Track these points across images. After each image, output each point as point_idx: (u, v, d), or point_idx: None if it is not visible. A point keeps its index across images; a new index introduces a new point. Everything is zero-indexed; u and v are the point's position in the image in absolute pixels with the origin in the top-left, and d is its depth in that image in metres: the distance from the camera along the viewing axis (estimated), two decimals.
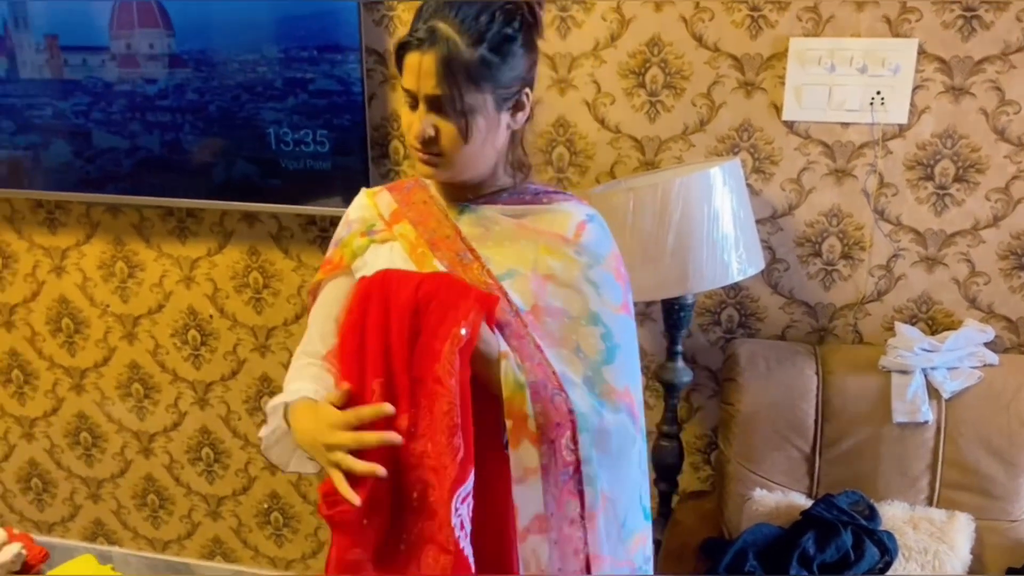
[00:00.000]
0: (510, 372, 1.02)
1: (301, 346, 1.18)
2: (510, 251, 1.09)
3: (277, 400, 1.10)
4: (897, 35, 1.66)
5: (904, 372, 1.67)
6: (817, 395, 1.71)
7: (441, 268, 1.08)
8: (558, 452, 1.03)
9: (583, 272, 1.08)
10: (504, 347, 1.04)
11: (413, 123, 1.05)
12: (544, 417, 1.02)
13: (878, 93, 1.70)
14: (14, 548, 1.64)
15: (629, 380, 1.10)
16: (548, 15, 1.79)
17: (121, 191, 2.03)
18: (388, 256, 1.12)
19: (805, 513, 1.61)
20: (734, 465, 1.74)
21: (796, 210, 1.80)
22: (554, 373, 1.04)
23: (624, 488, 1.09)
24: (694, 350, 1.90)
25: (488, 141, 1.07)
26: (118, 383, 2.28)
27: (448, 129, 1.03)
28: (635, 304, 1.87)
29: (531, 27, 1.05)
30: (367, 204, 1.20)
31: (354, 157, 1.88)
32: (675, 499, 1.89)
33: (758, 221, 1.74)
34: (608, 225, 1.60)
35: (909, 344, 1.69)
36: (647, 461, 1.16)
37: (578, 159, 1.86)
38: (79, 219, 2.15)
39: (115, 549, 2.41)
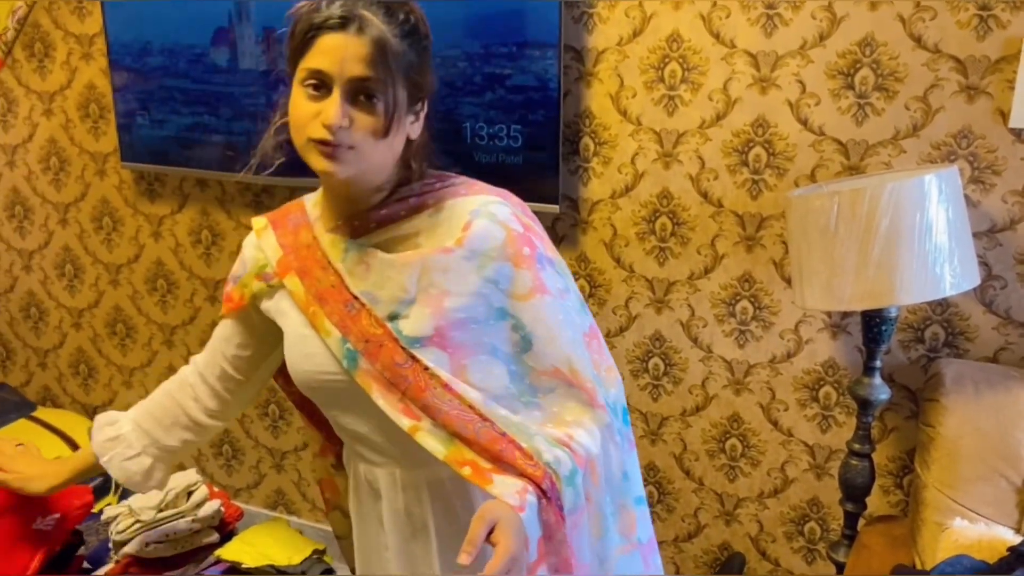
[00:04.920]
0: (435, 447, 1.02)
1: (192, 363, 1.27)
2: (395, 283, 1.04)
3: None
4: None
5: None
6: None
7: (331, 328, 1.05)
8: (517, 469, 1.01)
9: (477, 274, 1.03)
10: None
11: (324, 110, 0.96)
12: (484, 449, 1.01)
13: None
14: (214, 504, 1.76)
15: (555, 359, 1.05)
16: (754, 12, 1.75)
17: None
18: (291, 312, 1.11)
19: (1013, 549, 1.49)
20: (932, 491, 1.64)
21: (1019, 224, 1.66)
22: (471, 406, 1.02)
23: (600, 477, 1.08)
24: (891, 367, 1.80)
25: (396, 143, 1.01)
26: None
27: (365, 120, 0.97)
28: (832, 315, 1.81)
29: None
30: (256, 243, 1.15)
31: (546, 153, 1.91)
32: (862, 522, 1.79)
33: (974, 234, 1.62)
34: (808, 229, 1.56)
35: None
36: (629, 449, 1.13)
37: (776, 160, 1.80)
38: (282, 202, 2.29)
39: (293, 519, 2.55)
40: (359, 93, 0.97)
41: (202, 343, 2.50)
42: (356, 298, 1.05)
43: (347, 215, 1.07)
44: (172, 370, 2.62)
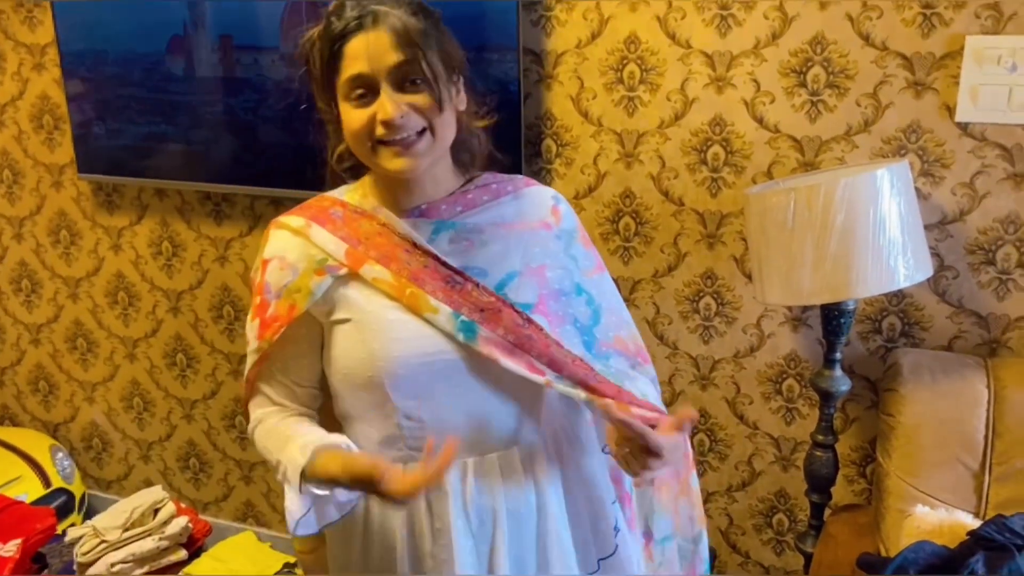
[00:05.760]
0: (575, 393, 1.08)
1: (257, 407, 1.14)
2: (502, 257, 1.10)
3: (291, 473, 1.05)
4: None
5: None
6: (988, 410, 1.62)
7: (438, 304, 1.05)
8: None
9: (564, 252, 1.15)
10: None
11: (379, 109, 0.99)
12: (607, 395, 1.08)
13: None
14: (182, 521, 1.75)
15: (615, 329, 1.19)
16: (708, 13, 1.77)
17: (284, 184, 2.14)
18: (368, 301, 1.06)
19: (973, 533, 1.52)
20: (894, 479, 1.67)
21: (968, 216, 1.71)
22: (582, 361, 1.09)
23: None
24: (851, 359, 1.83)
25: (449, 116, 1.05)
26: None
27: (422, 100, 1.00)
28: (792, 309, 1.85)
29: None
30: (300, 240, 1.09)
31: (508, 155, 1.91)
32: (827, 512, 1.83)
33: (925, 226, 1.66)
34: (767, 226, 1.59)
35: None
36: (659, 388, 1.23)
37: (734, 158, 1.83)
38: (243, 211, 2.28)
39: (263, 531, 2.53)
40: (402, 80, 1.00)
41: (165, 355, 2.49)
42: (459, 273, 1.08)
43: (429, 201, 1.10)
44: (135, 384, 2.60)
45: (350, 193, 1.14)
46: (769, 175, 1.81)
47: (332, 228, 1.09)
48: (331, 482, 1.03)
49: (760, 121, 1.80)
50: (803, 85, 1.75)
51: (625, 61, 1.86)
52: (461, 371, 1.07)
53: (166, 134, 2.22)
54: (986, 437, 1.62)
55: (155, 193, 2.37)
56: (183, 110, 2.18)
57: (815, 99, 1.75)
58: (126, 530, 1.61)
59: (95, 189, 2.45)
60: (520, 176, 1.21)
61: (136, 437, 2.64)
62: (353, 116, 1.01)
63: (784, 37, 1.74)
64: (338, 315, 1.09)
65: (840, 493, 1.89)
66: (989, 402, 1.63)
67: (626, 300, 1.98)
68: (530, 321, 1.07)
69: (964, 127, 1.68)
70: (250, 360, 1.14)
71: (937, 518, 1.60)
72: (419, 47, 0.99)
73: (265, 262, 1.10)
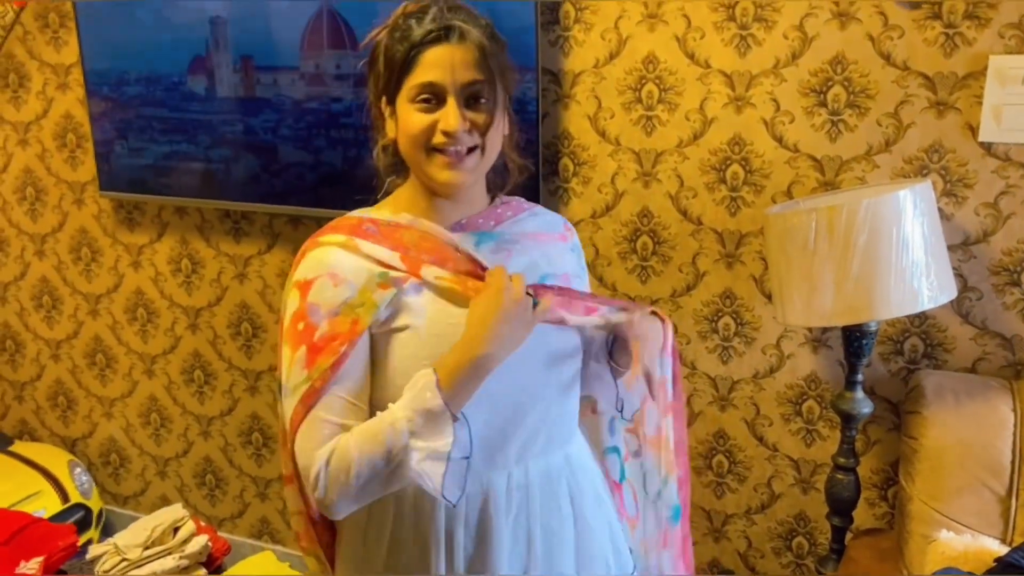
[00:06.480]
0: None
1: (318, 435, 1.04)
2: (534, 262, 1.16)
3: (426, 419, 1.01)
4: None
5: None
6: (1015, 433, 1.60)
7: (444, 272, 1.09)
8: None
9: (578, 264, 1.26)
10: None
11: (443, 118, 1.02)
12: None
13: None
14: (201, 540, 1.74)
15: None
16: (727, 33, 1.77)
17: (303, 203, 2.15)
18: (429, 305, 1.06)
19: (1001, 560, 1.49)
20: (917, 504, 1.65)
21: (992, 236, 1.69)
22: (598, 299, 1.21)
23: None
24: (872, 380, 1.81)
25: (499, 138, 1.10)
26: None
27: (481, 119, 1.05)
28: (812, 329, 1.83)
29: None
30: (349, 254, 1.06)
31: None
32: (849, 535, 1.80)
33: (948, 247, 1.64)
34: (787, 246, 1.58)
35: None
36: None
37: (753, 178, 1.82)
38: (262, 229, 2.29)
39: (278, 548, 2.52)
40: (469, 97, 1.04)
41: (183, 372, 2.50)
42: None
43: (466, 216, 1.14)
44: (153, 400, 2.61)
45: (376, 211, 1.15)
46: (789, 195, 1.80)
47: (375, 241, 1.08)
48: (462, 381, 1.01)
49: (780, 140, 1.79)
50: (823, 104, 1.74)
51: (643, 81, 1.86)
52: (521, 357, 1.07)
53: (187, 153, 2.24)
54: (1012, 461, 1.59)
55: (175, 211, 2.39)
56: (204, 129, 2.20)
57: (835, 119, 1.74)
58: (147, 548, 1.61)
59: (116, 207, 2.47)
60: (529, 201, 1.27)
61: (153, 453, 2.65)
62: (415, 119, 1.04)
63: (804, 57, 1.73)
64: (397, 323, 1.07)
65: (861, 516, 1.86)
66: (1016, 425, 1.60)
67: None
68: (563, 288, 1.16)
69: (988, 147, 1.66)
70: (295, 395, 1.04)
71: (963, 544, 1.57)
72: (494, 70, 1.04)
73: (306, 284, 1.05)
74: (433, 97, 1.03)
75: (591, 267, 1.99)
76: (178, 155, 2.25)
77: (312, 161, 2.11)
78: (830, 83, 1.73)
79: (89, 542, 2.50)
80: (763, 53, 1.76)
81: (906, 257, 1.52)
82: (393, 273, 1.06)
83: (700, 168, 1.86)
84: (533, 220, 1.22)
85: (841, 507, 1.77)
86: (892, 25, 1.66)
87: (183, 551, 1.64)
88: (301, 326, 1.04)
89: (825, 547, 1.90)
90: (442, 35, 1.02)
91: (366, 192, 2.06)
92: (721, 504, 2.02)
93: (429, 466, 1.00)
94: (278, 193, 2.17)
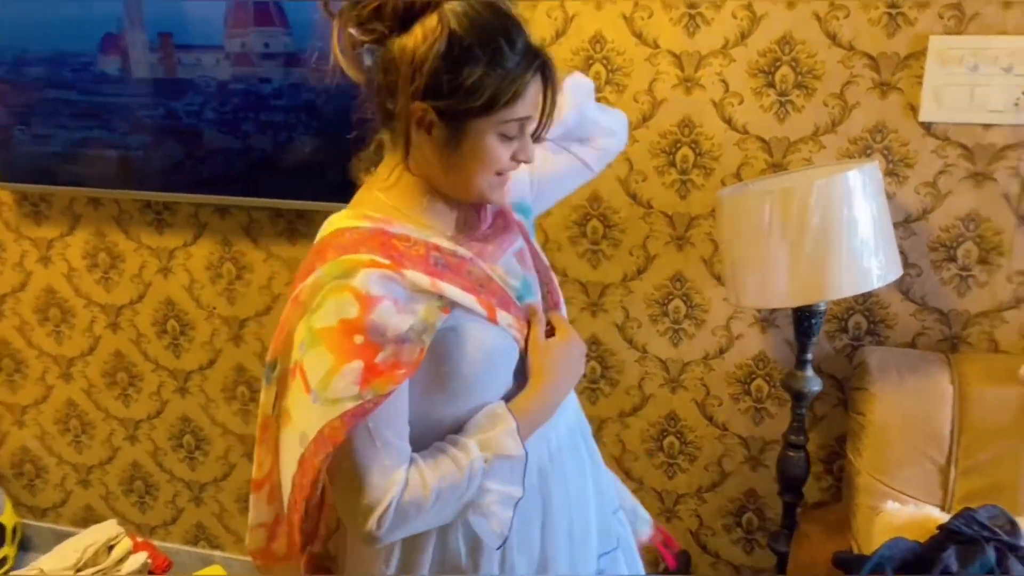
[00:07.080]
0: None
1: (387, 463, 0.99)
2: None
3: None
4: None
5: None
6: (953, 406, 1.66)
7: (510, 317, 1.09)
8: None
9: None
10: None
11: (521, 149, 1.05)
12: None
13: None
14: (140, 558, 1.64)
15: None
16: (676, 12, 1.75)
17: (231, 192, 2.02)
18: (466, 320, 1.04)
19: (943, 527, 1.55)
20: (865, 477, 1.69)
21: (931, 214, 1.74)
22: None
23: None
24: (818, 358, 1.84)
25: None
26: (223, 385, 2.27)
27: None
28: (761, 310, 1.85)
29: None
30: (406, 284, 0.99)
31: None
32: (798, 510, 1.84)
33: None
34: (741, 229, 1.57)
35: None
36: None
37: (703, 160, 1.81)
38: (187, 220, 2.15)
39: (217, 553, 2.42)
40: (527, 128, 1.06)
41: (104, 374, 2.34)
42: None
43: (481, 229, 1.13)
44: (72, 405, 2.43)
45: (396, 221, 1.05)
46: (738, 176, 1.80)
47: (450, 280, 1.03)
48: (537, 425, 1.08)
49: (729, 122, 1.78)
50: (771, 85, 1.74)
51: (591, 61, 1.82)
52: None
53: (100, 139, 2.07)
54: (951, 432, 1.65)
55: (89, 202, 2.21)
56: (119, 113, 2.04)
57: (783, 99, 1.75)
58: (79, 571, 1.49)
59: (19, 199, 2.28)
60: None
61: (74, 461, 2.48)
62: (501, 150, 1.03)
63: (752, 37, 1.72)
64: (454, 343, 1.04)
65: (809, 491, 1.90)
66: (954, 398, 1.66)
67: (595, 304, 1.97)
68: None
69: (928, 127, 1.70)
70: (335, 407, 0.95)
71: (907, 514, 1.62)
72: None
73: (369, 298, 0.96)
74: (519, 127, 1.03)
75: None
76: (90, 142, 2.08)
77: (240, 147, 1.98)
78: (778, 63, 1.73)
79: (4, 560, 2.34)
80: (712, 33, 1.74)
81: (856, 237, 1.54)
82: (441, 303, 1.01)
83: (650, 151, 1.83)
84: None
85: (792, 484, 1.80)
86: (838, 4, 1.67)
87: (119, 571, 1.53)
88: (359, 340, 0.95)
89: (774, 521, 1.94)
90: (544, 72, 1.01)
91: (297, 179, 1.97)
92: (672, 484, 2.04)
93: (499, 509, 1.02)
94: (204, 181, 2.04)
